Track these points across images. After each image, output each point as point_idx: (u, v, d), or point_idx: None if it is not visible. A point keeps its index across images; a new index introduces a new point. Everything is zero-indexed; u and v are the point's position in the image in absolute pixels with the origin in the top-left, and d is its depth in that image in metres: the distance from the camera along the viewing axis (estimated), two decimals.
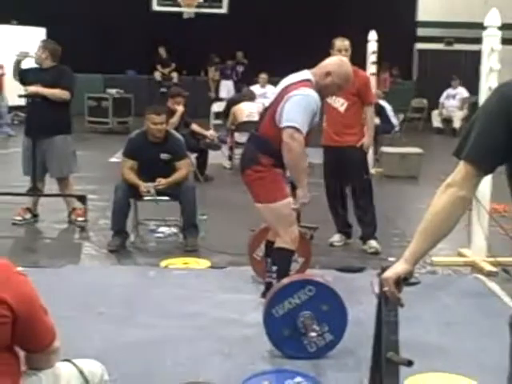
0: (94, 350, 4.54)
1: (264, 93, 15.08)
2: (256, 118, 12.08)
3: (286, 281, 4.74)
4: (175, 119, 10.12)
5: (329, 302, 4.51)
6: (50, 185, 8.24)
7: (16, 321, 2.40)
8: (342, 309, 4.52)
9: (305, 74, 5.15)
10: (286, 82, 5.20)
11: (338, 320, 4.52)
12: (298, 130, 4.85)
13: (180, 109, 10.39)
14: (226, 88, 19.97)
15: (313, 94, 4.97)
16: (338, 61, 5.34)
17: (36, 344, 2.54)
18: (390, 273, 2.65)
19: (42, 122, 7.58)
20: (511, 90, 2.30)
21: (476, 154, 2.31)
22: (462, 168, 2.35)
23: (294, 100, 4.90)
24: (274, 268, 5.09)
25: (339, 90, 5.36)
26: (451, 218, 2.39)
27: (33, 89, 7.58)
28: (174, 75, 20.06)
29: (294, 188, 5.22)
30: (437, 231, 2.44)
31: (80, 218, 7.77)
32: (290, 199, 5.09)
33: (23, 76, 7.78)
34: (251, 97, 12.82)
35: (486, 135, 2.28)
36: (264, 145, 5.06)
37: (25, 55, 7.84)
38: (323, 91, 5.15)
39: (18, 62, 7.83)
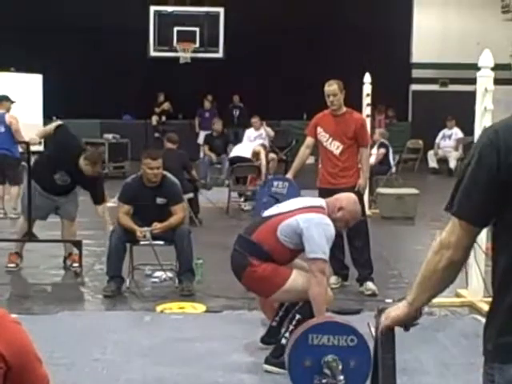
0: None
1: (260, 134, 15.22)
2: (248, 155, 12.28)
3: (336, 319, 4.81)
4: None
5: (360, 360, 4.43)
6: (46, 231, 8.23)
7: (9, 371, 2.36)
8: (366, 374, 4.39)
9: (319, 201, 5.26)
10: (299, 202, 5.27)
11: (355, 382, 4.43)
12: (326, 262, 4.95)
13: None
14: (204, 135, 19.99)
15: (331, 224, 5.04)
16: (351, 198, 5.39)
17: None
18: (395, 315, 2.58)
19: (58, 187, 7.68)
20: (500, 136, 2.21)
21: (465, 211, 2.23)
22: (456, 226, 2.24)
23: (320, 229, 4.93)
24: (298, 317, 4.95)
25: (345, 227, 5.43)
26: (448, 280, 2.33)
27: None
28: (166, 105, 20.23)
29: None
30: (435, 289, 2.37)
31: (75, 264, 7.73)
32: (294, 270, 5.07)
33: None
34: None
35: (475, 189, 2.21)
36: (254, 247, 5.06)
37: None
38: (334, 223, 5.20)
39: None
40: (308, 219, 4.97)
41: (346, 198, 5.34)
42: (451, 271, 2.31)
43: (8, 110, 11.02)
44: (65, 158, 7.58)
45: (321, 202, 5.22)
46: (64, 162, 7.57)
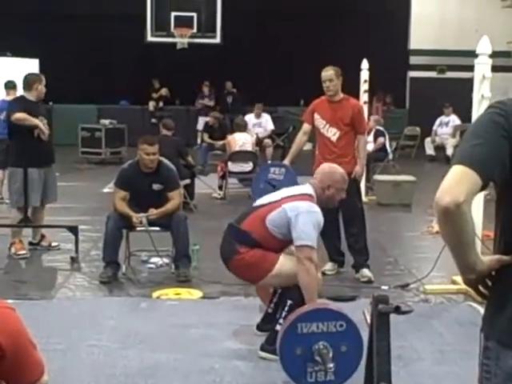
0: (85, 383, 4.52)
1: (259, 122, 15.19)
2: (249, 148, 12.13)
3: (323, 305, 4.79)
4: None
5: (351, 345, 4.45)
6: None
7: (3, 357, 2.37)
8: (358, 357, 4.38)
9: (306, 188, 5.23)
10: (286, 191, 5.26)
11: (347, 365, 4.45)
12: (314, 249, 4.88)
13: None
14: (203, 121, 19.85)
15: (319, 211, 5.01)
16: (329, 170, 5.40)
17: (24, 380, 2.50)
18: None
19: (46, 152, 7.78)
20: (506, 109, 2.21)
21: (479, 161, 2.14)
22: (467, 178, 2.15)
23: (307, 217, 4.90)
24: (289, 302, 4.94)
25: (343, 194, 5.40)
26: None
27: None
28: (164, 90, 20.12)
29: None
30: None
31: (54, 244, 7.95)
32: (282, 254, 5.07)
33: (21, 105, 7.73)
34: (244, 126, 12.84)
35: (488, 145, 2.15)
36: (242, 236, 5.07)
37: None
38: (329, 201, 5.29)
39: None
40: (295, 207, 4.96)
41: (328, 174, 5.32)
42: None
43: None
44: (29, 102, 7.72)
45: (309, 189, 5.21)
46: (32, 105, 7.67)
